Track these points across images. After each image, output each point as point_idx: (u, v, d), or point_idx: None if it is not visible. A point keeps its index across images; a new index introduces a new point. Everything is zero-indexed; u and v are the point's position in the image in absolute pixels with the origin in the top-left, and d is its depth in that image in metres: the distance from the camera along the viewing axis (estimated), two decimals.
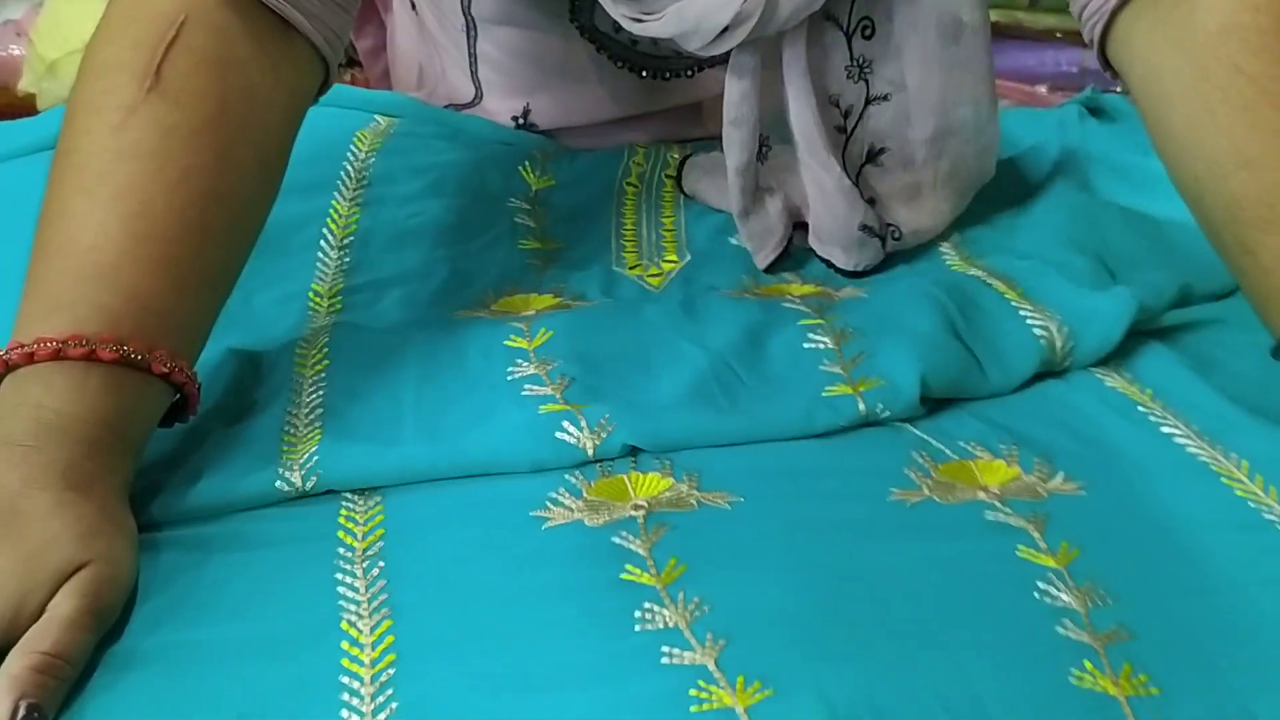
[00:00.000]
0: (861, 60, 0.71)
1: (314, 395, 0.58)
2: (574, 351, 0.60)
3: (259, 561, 0.48)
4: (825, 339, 0.62)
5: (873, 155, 0.74)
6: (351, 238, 0.73)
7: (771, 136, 0.73)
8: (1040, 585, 0.46)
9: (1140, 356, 0.62)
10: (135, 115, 0.53)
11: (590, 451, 0.53)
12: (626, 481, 0.52)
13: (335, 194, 0.75)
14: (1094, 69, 1.21)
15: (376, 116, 0.85)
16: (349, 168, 0.78)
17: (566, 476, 0.52)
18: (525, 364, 0.59)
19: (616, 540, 0.48)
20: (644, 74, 0.83)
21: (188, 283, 0.53)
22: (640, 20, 0.68)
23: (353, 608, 0.45)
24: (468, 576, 0.47)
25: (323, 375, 0.60)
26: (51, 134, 0.70)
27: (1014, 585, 0.46)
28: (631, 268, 0.73)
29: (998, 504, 0.51)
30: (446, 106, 0.89)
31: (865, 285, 0.70)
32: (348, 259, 0.71)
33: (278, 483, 0.52)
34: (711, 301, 0.67)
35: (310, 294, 0.68)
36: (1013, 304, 0.65)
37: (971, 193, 0.77)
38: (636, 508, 0.50)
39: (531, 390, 0.57)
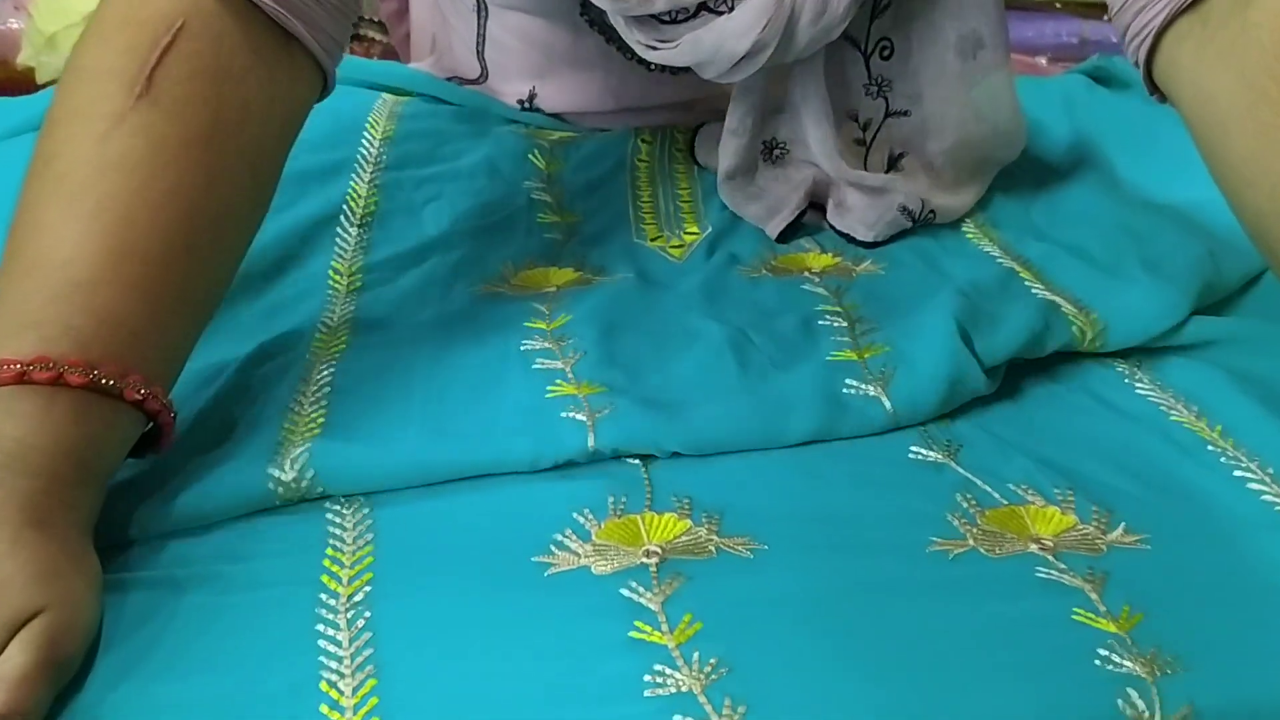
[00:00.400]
0: (880, 80, 0.71)
1: (324, 374, 0.58)
2: (592, 336, 0.60)
3: (234, 607, 0.44)
4: (842, 322, 0.61)
5: (893, 161, 0.74)
6: (371, 218, 0.73)
7: (790, 142, 0.73)
8: (1101, 652, 0.42)
9: (1207, 388, 0.57)
10: (123, 125, 0.49)
11: (591, 432, 0.52)
12: (640, 523, 0.48)
13: (353, 177, 0.75)
14: (1094, 39, 1.22)
15: (384, 95, 0.85)
16: (365, 151, 0.78)
17: (574, 516, 0.48)
18: (540, 340, 0.60)
19: (625, 592, 0.44)
20: (652, 67, 0.83)
21: (167, 305, 0.49)
22: (655, 48, 0.67)
23: (334, 664, 0.41)
24: (461, 633, 0.43)
25: (336, 358, 0.59)
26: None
27: (1070, 653, 0.42)
28: (653, 239, 0.72)
29: (1051, 559, 0.46)
30: (451, 79, 0.89)
31: (884, 260, 0.70)
32: (367, 237, 0.71)
33: (269, 476, 0.49)
34: (731, 282, 0.67)
35: (330, 272, 0.68)
36: (1027, 283, 0.65)
37: (995, 172, 0.78)
38: (649, 554, 0.46)
39: (543, 364, 0.57)
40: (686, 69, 0.69)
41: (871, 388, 0.56)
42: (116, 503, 0.48)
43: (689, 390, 0.56)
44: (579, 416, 0.53)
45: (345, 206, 0.73)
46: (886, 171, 0.74)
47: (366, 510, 0.49)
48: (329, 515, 0.49)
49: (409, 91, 0.86)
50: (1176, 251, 0.67)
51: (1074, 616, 0.43)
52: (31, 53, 1.15)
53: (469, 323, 0.63)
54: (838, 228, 0.72)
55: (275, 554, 0.47)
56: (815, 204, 0.74)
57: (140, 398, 0.47)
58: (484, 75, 0.87)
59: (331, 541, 0.47)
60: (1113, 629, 0.43)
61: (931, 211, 0.72)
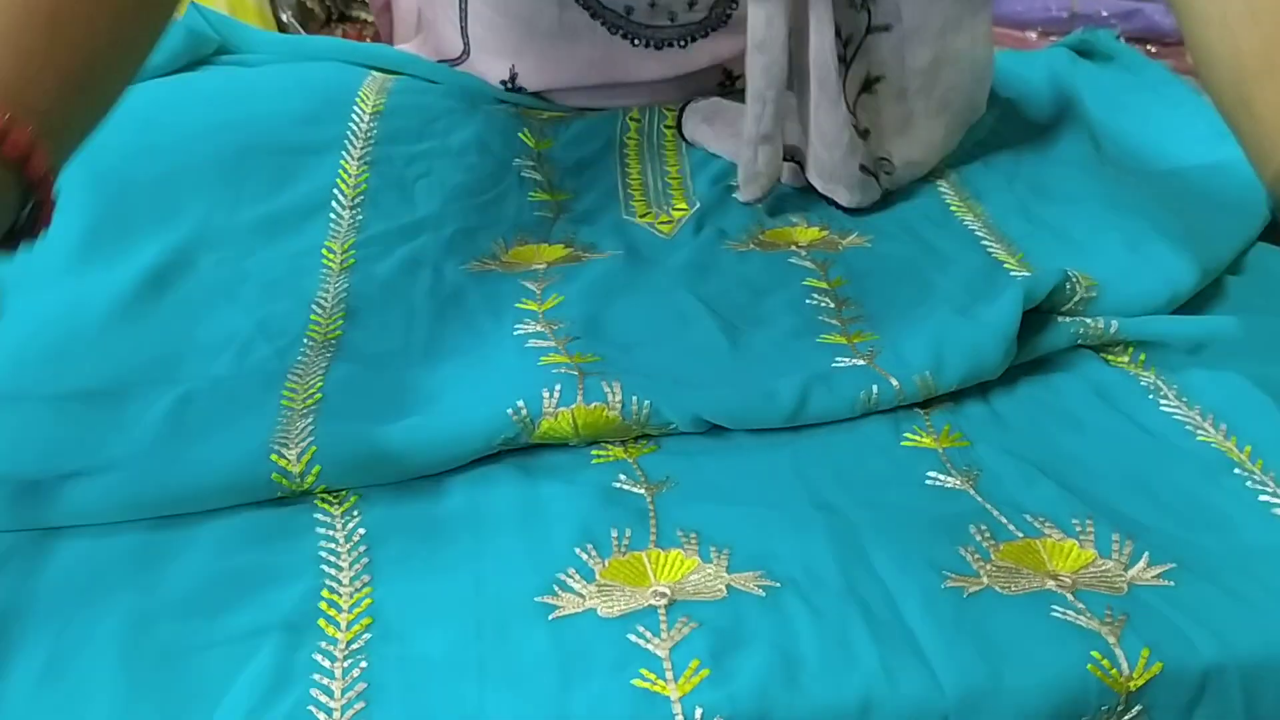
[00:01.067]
0: None
1: (320, 355, 0.58)
2: (584, 318, 0.60)
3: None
4: (829, 302, 0.62)
5: (869, 84, 0.74)
6: (362, 196, 0.73)
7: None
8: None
9: (1234, 404, 0.56)
10: None
11: (580, 387, 0.52)
12: (645, 561, 0.47)
13: (344, 154, 0.76)
14: (1084, 13, 1.22)
15: (373, 72, 0.85)
16: (355, 126, 0.78)
17: (577, 552, 0.47)
18: (533, 323, 0.61)
19: (632, 638, 0.43)
20: (636, 42, 0.83)
21: (37, 61, 0.45)
22: None
23: (326, 699, 0.40)
24: (458, 688, 0.41)
25: (333, 339, 0.60)
26: None
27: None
28: (642, 216, 0.73)
29: (1069, 598, 0.45)
30: (439, 62, 0.90)
31: (870, 232, 0.71)
32: (359, 216, 0.71)
33: (271, 462, 0.48)
34: (719, 257, 0.68)
35: (324, 250, 0.69)
36: (1012, 272, 0.66)
37: (962, 128, 0.77)
38: (658, 595, 0.44)
39: (536, 344, 0.58)
40: (670, 45, 0.69)
41: (860, 360, 0.57)
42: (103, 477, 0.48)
43: (680, 363, 0.57)
44: (571, 373, 0.54)
45: (337, 182, 0.73)
46: (860, 94, 0.73)
47: (363, 548, 0.48)
48: (323, 555, 0.47)
49: (398, 72, 0.87)
50: (1163, 227, 0.67)
51: (1089, 669, 0.42)
52: None
53: (461, 303, 0.63)
54: (820, 190, 0.72)
55: (269, 603, 0.44)
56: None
57: (21, 155, 0.42)
58: (465, 52, 0.87)
59: (328, 583, 0.46)
60: (1129, 687, 0.42)
61: (889, 166, 0.72)
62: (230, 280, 0.65)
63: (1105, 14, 1.22)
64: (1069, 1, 1.29)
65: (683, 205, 0.74)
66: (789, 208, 0.74)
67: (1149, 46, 1.13)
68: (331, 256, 0.68)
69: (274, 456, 0.49)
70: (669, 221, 0.72)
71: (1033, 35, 1.26)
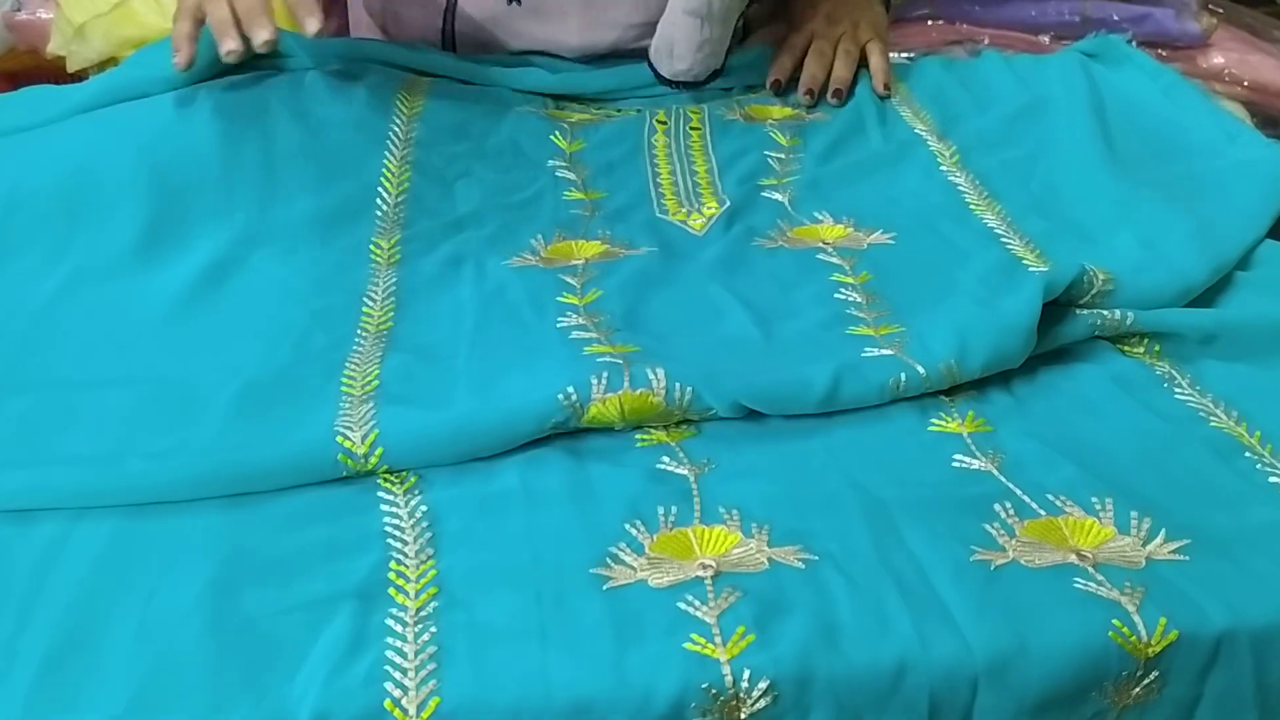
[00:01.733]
0: None
1: (376, 344, 0.62)
2: (623, 311, 0.64)
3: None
4: (856, 296, 0.65)
5: None
6: (405, 194, 0.76)
7: None
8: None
9: (1245, 393, 0.59)
10: None
11: (626, 373, 0.55)
12: (691, 536, 0.50)
13: (386, 154, 0.79)
14: (1095, 18, 1.25)
15: (410, 75, 0.88)
16: (396, 130, 0.81)
17: (626, 528, 0.50)
18: (575, 316, 0.64)
19: (682, 606, 0.46)
20: None
21: None
22: None
23: (400, 660, 0.44)
24: (522, 651, 0.44)
25: (386, 333, 0.63)
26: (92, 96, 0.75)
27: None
28: (674, 214, 0.76)
29: (1090, 570, 0.48)
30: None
31: (893, 229, 0.74)
32: (403, 213, 0.75)
33: (337, 444, 0.52)
34: (750, 253, 0.71)
35: (371, 245, 0.72)
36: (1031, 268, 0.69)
37: None
38: (704, 567, 0.48)
39: (580, 335, 0.61)
40: None
41: (888, 350, 0.60)
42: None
43: (716, 353, 0.60)
44: (616, 362, 0.56)
45: (381, 181, 0.76)
46: None
47: (426, 524, 0.51)
48: (389, 530, 0.50)
49: (425, 71, 0.89)
50: (1176, 225, 0.70)
51: (1110, 635, 0.46)
52: (61, 42, 1.18)
53: (504, 296, 0.66)
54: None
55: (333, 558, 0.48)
56: None
57: None
58: None
59: (395, 555, 0.49)
60: (1147, 653, 0.46)
61: None
62: (284, 274, 0.68)
63: (1117, 18, 1.23)
64: (1081, 6, 1.31)
65: (713, 204, 0.77)
66: (813, 207, 0.77)
67: (1160, 50, 1.15)
68: (379, 251, 0.71)
69: (340, 439, 0.53)
70: (700, 219, 0.75)
71: (1045, 39, 1.28)
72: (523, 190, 0.78)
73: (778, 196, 0.78)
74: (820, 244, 0.72)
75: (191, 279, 0.67)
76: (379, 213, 0.74)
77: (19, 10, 1.18)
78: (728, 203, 0.77)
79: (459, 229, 0.73)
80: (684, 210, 0.77)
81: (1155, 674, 0.47)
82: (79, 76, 1.10)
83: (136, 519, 0.51)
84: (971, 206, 0.77)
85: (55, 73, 1.16)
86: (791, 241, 0.73)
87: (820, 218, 0.76)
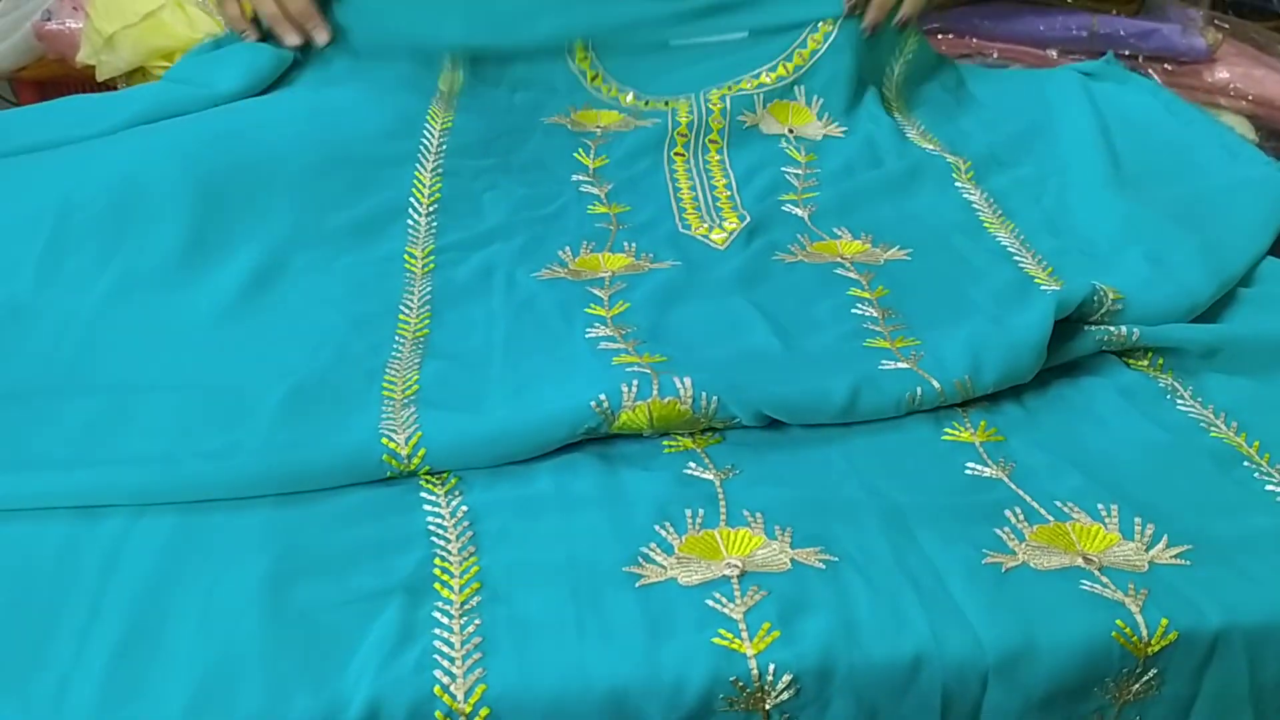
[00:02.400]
0: None
1: (413, 350, 0.65)
2: (649, 324, 0.66)
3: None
4: (873, 311, 0.68)
5: None
6: (436, 205, 0.79)
7: None
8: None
9: (1245, 405, 0.62)
10: None
11: (655, 381, 0.57)
12: (717, 538, 0.53)
13: (417, 166, 0.82)
14: (1103, 33, 1.27)
15: (439, 89, 0.91)
16: (426, 143, 0.84)
17: (656, 529, 0.53)
18: (602, 327, 0.66)
19: (710, 603, 0.49)
20: None
21: None
22: None
23: (447, 651, 0.47)
24: (561, 643, 0.47)
25: (423, 340, 0.66)
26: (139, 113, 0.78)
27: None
28: (695, 228, 0.79)
29: (1096, 573, 0.51)
30: None
31: (909, 246, 0.76)
32: (435, 223, 0.78)
33: (382, 445, 0.54)
34: (770, 268, 0.74)
35: (405, 255, 0.75)
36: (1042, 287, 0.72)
37: None
38: (730, 567, 0.51)
39: (608, 346, 0.64)
40: None
41: (904, 364, 0.63)
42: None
43: (738, 364, 0.63)
44: (645, 371, 0.59)
45: (413, 192, 0.79)
46: None
47: (467, 523, 0.54)
48: (432, 529, 0.53)
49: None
50: (1181, 243, 0.73)
51: (1113, 636, 0.49)
52: (90, 51, 1.21)
53: (534, 307, 0.69)
54: None
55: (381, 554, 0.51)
56: None
57: None
58: None
59: (439, 552, 0.52)
60: (1149, 651, 0.49)
61: None
62: (322, 282, 0.71)
63: (1124, 33, 1.25)
64: (1089, 21, 1.33)
65: (733, 219, 0.80)
66: (833, 222, 0.80)
67: (1166, 65, 1.18)
68: (413, 261, 0.74)
69: (384, 440, 0.56)
70: (722, 234, 0.78)
71: (1053, 54, 1.30)
72: (548, 204, 0.81)
73: (798, 212, 0.81)
74: (839, 259, 0.75)
75: (235, 287, 0.70)
76: (410, 223, 0.77)
77: (49, 20, 1.21)
78: (747, 218, 0.80)
79: (488, 241, 0.76)
80: (705, 225, 0.79)
81: (1154, 671, 0.49)
82: (108, 85, 1.13)
83: (194, 515, 0.53)
84: (985, 224, 0.80)
85: (84, 81, 1.19)
86: (811, 256, 0.76)
87: (840, 233, 0.79)
